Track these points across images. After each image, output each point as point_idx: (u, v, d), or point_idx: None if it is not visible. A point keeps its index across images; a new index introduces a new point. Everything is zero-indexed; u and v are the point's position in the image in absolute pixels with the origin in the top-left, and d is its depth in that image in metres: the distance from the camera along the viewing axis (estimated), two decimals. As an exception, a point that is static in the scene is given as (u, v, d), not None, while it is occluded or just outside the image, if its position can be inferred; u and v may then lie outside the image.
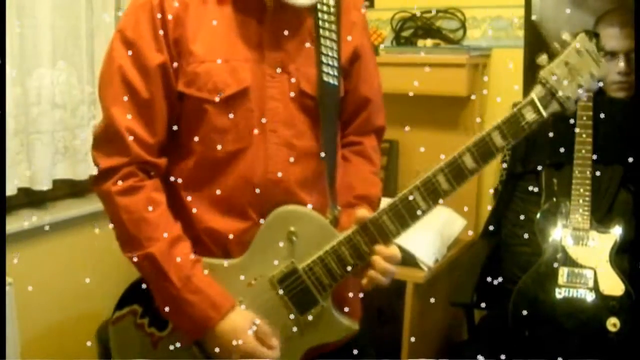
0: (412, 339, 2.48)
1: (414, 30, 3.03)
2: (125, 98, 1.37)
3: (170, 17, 1.38)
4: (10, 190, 2.34)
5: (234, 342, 1.37)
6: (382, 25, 3.09)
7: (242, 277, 1.43)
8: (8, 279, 2.09)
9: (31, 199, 2.54)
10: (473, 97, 2.79)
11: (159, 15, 1.37)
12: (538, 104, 1.37)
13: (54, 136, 2.50)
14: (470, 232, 2.79)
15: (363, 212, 1.41)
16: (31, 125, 2.42)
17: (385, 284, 1.43)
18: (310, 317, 1.44)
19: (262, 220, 1.43)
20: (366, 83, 1.59)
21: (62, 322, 2.55)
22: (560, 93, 1.37)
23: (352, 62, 1.54)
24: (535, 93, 1.37)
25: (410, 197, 1.40)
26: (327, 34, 1.48)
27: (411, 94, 2.79)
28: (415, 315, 2.48)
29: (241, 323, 1.39)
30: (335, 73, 1.48)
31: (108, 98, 1.39)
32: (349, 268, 1.42)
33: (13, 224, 2.38)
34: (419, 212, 1.41)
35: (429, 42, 2.90)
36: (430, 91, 2.71)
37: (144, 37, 1.37)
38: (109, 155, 1.39)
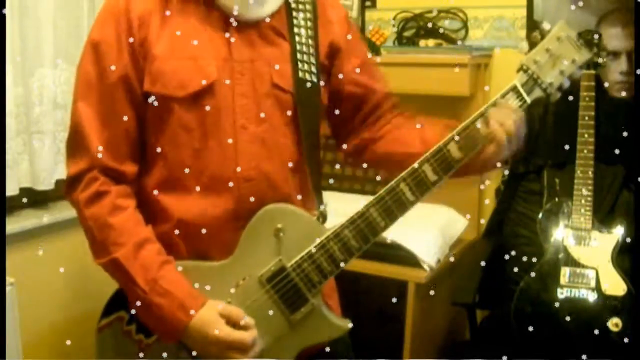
0: (414, 339, 2.48)
1: (416, 30, 3.03)
2: (91, 103, 1.39)
3: (135, 19, 1.39)
4: (12, 190, 2.34)
5: (208, 335, 1.35)
6: (384, 25, 3.09)
7: (229, 278, 1.42)
8: (10, 279, 2.09)
9: (33, 199, 2.54)
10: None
11: (124, 19, 1.39)
12: (521, 90, 1.39)
13: (56, 136, 2.50)
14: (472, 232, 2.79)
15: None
16: (33, 125, 2.42)
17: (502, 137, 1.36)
18: (301, 316, 1.42)
19: (239, 220, 1.42)
20: (378, 81, 1.60)
21: (64, 321, 2.55)
22: (542, 79, 1.40)
23: (330, 57, 1.53)
24: (518, 80, 1.40)
25: (398, 189, 1.39)
26: (302, 32, 1.48)
27: (413, 93, 2.81)
28: (417, 315, 2.48)
29: (209, 315, 1.37)
30: (314, 70, 1.48)
31: (76, 103, 1.42)
32: (338, 264, 1.41)
33: (15, 224, 2.38)
34: (407, 205, 1.40)
35: (431, 42, 2.90)
36: (432, 91, 2.71)
37: (109, 42, 1.39)
38: (74, 159, 1.41)
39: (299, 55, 1.46)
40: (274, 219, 1.42)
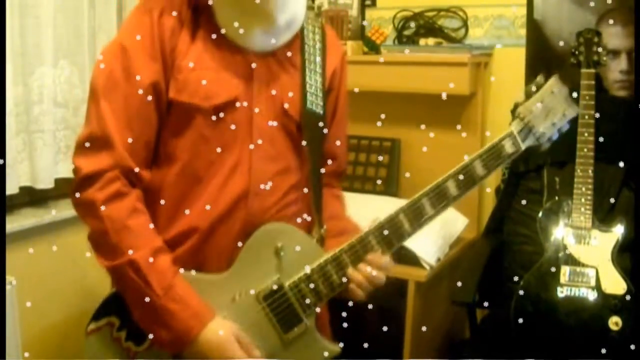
0: (414, 338, 2.48)
1: (416, 29, 3.03)
2: (116, 103, 1.38)
3: (168, 28, 1.40)
4: (12, 189, 2.34)
5: (221, 352, 1.36)
6: (384, 24, 3.09)
7: (225, 292, 1.42)
8: (10, 278, 2.09)
9: (33, 197, 2.55)
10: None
11: (157, 27, 1.39)
12: (517, 137, 1.45)
13: (56, 135, 2.51)
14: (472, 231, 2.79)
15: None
16: (33, 124, 2.42)
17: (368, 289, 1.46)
18: (293, 336, 1.44)
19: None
20: (340, 141, 1.66)
21: (64, 321, 2.55)
22: (536, 129, 1.46)
23: (327, 91, 1.58)
24: (515, 126, 1.46)
25: (396, 219, 1.43)
26: (312, 64, 1.52)
27: (413, 92, 2.81)
28: (417, 314, 2.48)
29: (225, 333, 1.38)
30: (320, 101, 1.52)
31: (98, 100, 1.39)
32: (334, 288, 1.43)
33: (15, 223, 2.38)
34: (404, 234, 1.44)
35: (431, 40, 2.89)
36: (432, 90, 2.71)
37: (142, 48, 1.39)
38: (93, 157, 1.37)
39: (308, 87, 1.51)
40: (274, 238, 1.44)
